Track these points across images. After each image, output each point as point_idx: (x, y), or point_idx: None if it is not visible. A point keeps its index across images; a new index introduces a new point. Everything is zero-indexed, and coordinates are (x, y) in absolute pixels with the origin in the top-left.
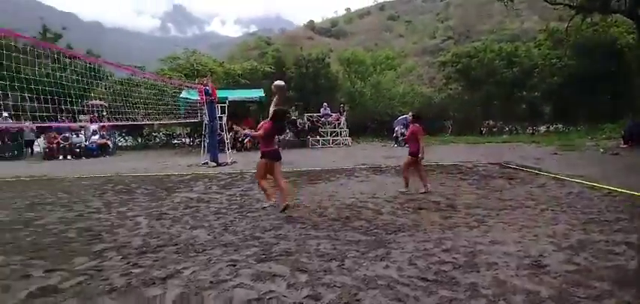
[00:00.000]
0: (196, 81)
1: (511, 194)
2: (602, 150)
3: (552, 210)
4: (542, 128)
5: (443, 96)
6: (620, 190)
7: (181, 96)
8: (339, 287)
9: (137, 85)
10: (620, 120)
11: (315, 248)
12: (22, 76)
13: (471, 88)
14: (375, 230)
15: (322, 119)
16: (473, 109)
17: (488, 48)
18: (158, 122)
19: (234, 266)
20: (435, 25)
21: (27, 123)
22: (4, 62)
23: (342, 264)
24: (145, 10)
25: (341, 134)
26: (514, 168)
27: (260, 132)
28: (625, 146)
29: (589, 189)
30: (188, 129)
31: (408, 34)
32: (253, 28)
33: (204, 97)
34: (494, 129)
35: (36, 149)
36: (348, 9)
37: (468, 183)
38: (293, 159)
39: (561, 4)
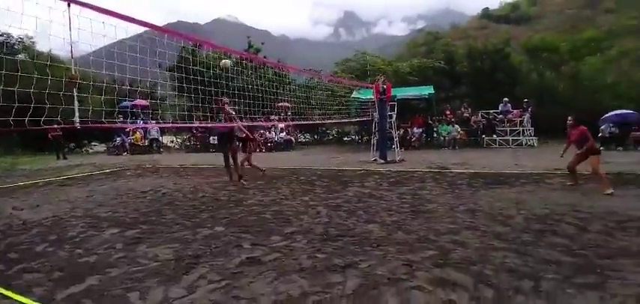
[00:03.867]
0: (368, 80)
1: None
2: None
3: None
4: None
5: None
6: None
7: (353, 95)
8: None
9: (314, 88)
10: None
11: (500, 262)
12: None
13: None
14: (580, 251)
15: (500, 116)
16: None
17: None
18: (331, 120)
19: (410, 266)
20: None
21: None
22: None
23: (538, 286)
24: (320, 20)
25: (524, 133)
26: None
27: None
28: None
29: None
30: (357, 126)
31: (621, 7)
32: (421, 24)
33: (378, 95)
34: None
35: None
36: None
37: None
38: (466, 159)
39: None
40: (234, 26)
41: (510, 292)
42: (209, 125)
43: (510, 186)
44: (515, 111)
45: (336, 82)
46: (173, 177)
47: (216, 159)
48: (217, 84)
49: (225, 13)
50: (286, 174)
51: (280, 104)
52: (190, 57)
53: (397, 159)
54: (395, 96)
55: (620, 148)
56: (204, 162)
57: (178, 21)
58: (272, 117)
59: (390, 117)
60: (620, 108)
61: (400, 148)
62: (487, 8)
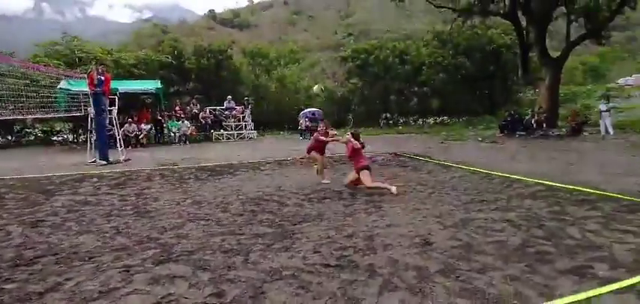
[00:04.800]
0: (79, 69)
1: (404, 180)
2: (480, 139)
3: (439, 193)
4: (431, 120)
5: (345, 90)
6: (496, 173)
7: (60, 86)
8: (243, 282)
9: (3, 75)
10: (497, 112)
11: (219, 245)
12: None
13: (370, 83)
14: (280, 222)
15: (226, 112)
16: (372, 103)
17: (384, 45)
18: (32, 116)
19: (128, 271)
20: (337, 21)
21: None
22: None
23: (247, 259)
24: None
25: (246, 128)
26: (407, 157)
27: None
28: (501, 135)
29: (470, 173)
30: (70, 124)
31: (312, 28)
32: (147, 14)
33: (93, 87)
34: (391, 122)
35: None
36: (250, 0)
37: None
38: (196, 154)
39: (445, 7)
40: None
41: (224, 269)
42: None
43: (232, 175)
44: (238, 107)
45: (37, 70)
46: None
47: None
48: None
49: None
50: None
51: None
52: None
53: (122, 158)
54: (116, 89)
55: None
56: None
57: None
58: None
59: (110, 112)
60: (311, 107)
61: (126, 147)
62: (213, 10)
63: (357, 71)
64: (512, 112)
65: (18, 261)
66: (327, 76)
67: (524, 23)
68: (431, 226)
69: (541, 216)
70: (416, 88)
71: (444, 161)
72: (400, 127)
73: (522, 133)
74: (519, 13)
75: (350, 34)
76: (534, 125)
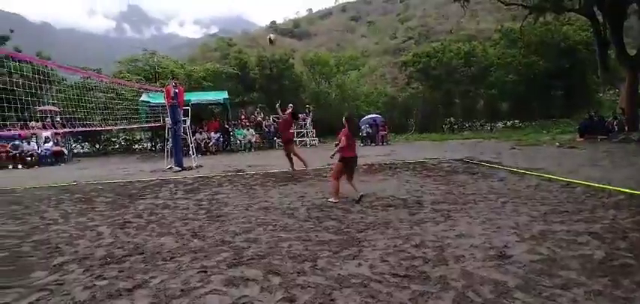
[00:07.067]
0: (158, 83)
1: (474, 188)
2: (557, 144)
3: (513, 203)
4: (500, 124)
5: (405, 95)
6: (577, 182)
7: (142, 99)
8: (313, 288)
9: (92, 89)
10: (574, 115)
11: (287, 250)
12: None
13: (432, 87)
14: (346, 230)
15: None
16: (435, 107)
17: (447, 48)
18: (117, 127)
19: (205, 272)
20: (395, 25)
21: None
22: None
23: (315, 265)
24: (97, 10)
25: (308, 134)
26: (476, 163)
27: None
28: (580, 140)
29: (547, 182)
30: (149, 133)
31: (371, 34)
32: (214, 29)
33: (170, 100)
34: (456, 127)
35: None
36: (309, 10)
37: (433, 178)
38: (260, 161)
39: (515, 4)
40: None
41: (294, 275)
42: None
43: (297, 181)
44: (300, 115)
45: (121, 84)
46: None
47: None
48: None
49: None
50: (54, 192)
51: (44, 108)
52: None
53: (194, 165)
54: (189, 100)
55: (373, 143)
56: None
57: None
58: (32, 124)
59: (184, 122)
60: (371, 113)
61: (197, 154)
62: (274, 21)
63: (418, 75)
64: (593, 114)
65: (108, 259)
66: (386, 82)
67: (601, 19)
68: (507, 238)
69: (624, 227)
70: (482, 91)
71: (517, 168)
72: (466, 132)
73: (604, 137)
74: (595, 9)
75: (410, 38)
76: (616, 128)
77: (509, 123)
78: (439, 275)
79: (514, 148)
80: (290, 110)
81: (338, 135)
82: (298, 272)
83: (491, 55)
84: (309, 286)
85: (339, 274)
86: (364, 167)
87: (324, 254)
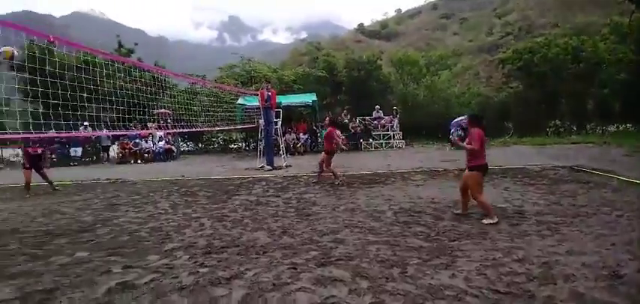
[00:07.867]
0: (253, 87)
1: (585, 199)
2: None
3: (628, 217)
4: (612, 127)
5: (503, 95)
6: None
7: (238, 102)
8: (402, 296)
9: (197, 94)
10: None
11: (374, 254)
12: (100, 88)
13: (534, 86)
14: (437, 237)
15: (374, 122)
16: (537, 108)
17: (552, 42)
18: (217, 128)
19: (295, 269)
20: (491, 21)
21: (104, 131)
22: (85, 76)
23: (405, 272)
24: (202, 22)
25: (394, 137)
26: (586, 171)
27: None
28: None
29: None
30: (243, 134)
31: (463, 31)
32: (304, 34)
33: (263, 103)
34: (562, 130)
35: (111, 154)
36: (398, 10)
37: (536, 187)
38: (346, 163)
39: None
40: (97, 21)
41: (382, 280)
42: (69, 135)
43: (383, 184)
44: (386, 117)
45: (221, 89)
46: (17, 199)
47: (73, 174)
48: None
49: (88, 5)
50: (166, 185)
51: (159, 111)
52: (46, 55)
53: (284, 165)
54: (280, 103)
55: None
56: (62, 178)
57: (25, 10)
58: (149, 125)
59: (276, 123)
60: (464, 115)
61: (286, 154)
62: (362, 23)
63: (519, 73)
64: None
65: (209, 249)
66: (480, 81)
67: None
68: (621, 256)
69: None
70: (593, 90)
71: (635, 178)
72: (574, 136)
73: None
74: None
75: (508, 34)
76: None
77: (621, 127)
78: (547, 295)
79: (628, 155)
80: (327, 121)
81: (469, 136)
82: (387, 278)
83: (601, 49)
84: (398, 293)
85: (430, 283)
86: (455, 172)
87: (414, 262)
